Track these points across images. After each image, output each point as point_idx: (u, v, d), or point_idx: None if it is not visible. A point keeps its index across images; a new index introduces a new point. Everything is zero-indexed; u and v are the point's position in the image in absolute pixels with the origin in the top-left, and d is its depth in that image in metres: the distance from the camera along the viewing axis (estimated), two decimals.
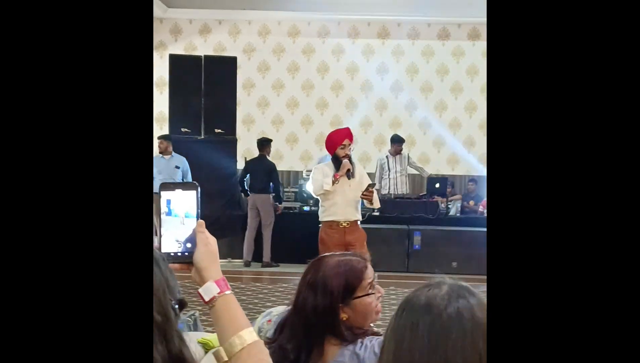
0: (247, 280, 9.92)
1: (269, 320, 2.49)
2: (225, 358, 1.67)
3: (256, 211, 11.01)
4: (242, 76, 13.30)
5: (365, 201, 6.60)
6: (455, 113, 13.85)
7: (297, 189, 12.01)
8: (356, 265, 2.40)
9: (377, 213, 9.79)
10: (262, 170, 11.15)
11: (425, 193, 11.86)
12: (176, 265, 1.72)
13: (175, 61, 11.75)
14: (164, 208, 1.72)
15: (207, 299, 1.68)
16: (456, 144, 13.23)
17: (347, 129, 6.89)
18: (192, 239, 1.72)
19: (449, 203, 11.79)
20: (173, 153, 10.87)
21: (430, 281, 1.56)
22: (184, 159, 10.85)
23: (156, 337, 1.53)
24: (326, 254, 2.48)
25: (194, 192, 1.72)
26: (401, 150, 11.79)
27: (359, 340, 2.31)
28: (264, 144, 11.44)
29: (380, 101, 13.88)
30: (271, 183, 11.14)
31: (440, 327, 1.47)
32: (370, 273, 2.42)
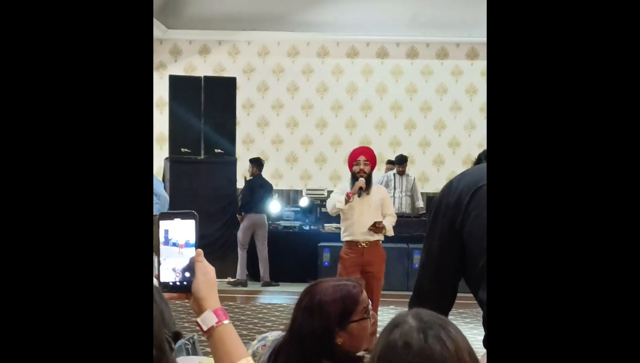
0: (246, 299, 9.89)
1: (264, 345, 2.50)
2: None
3: (252, 230, 10.93)
4: (241, 96, 13.33)
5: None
6: (455, 132, 13.88)
7: (297, 209, 12.00)
8: (352, 290, 2.41)
9: None
10: (264, 190, 11.15)
11: (424, 211, 11.87)
12: (174, 295, 1.72)
13: (175, 81, 11.79)
14: (162, 237, 1.71)
15: (205, 328, 1.70)
16: (455, 162, 13.23)
17: (366, 148, 7.01)
18: (190, 268, 1.72)
19: None
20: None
21: (392, 321, 1.55)
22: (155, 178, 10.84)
23: None
24: (321, 279, 2.49)
25: (193, 221, 1.72)
26: (404, 171, 11.88)
27: None
28: (261, 163, 11.44)
29: (380, 120, 13.92)
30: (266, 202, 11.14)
31: (428, 359, 1.47)
32: (365, 297, 2.45)
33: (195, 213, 1.74)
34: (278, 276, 10.87)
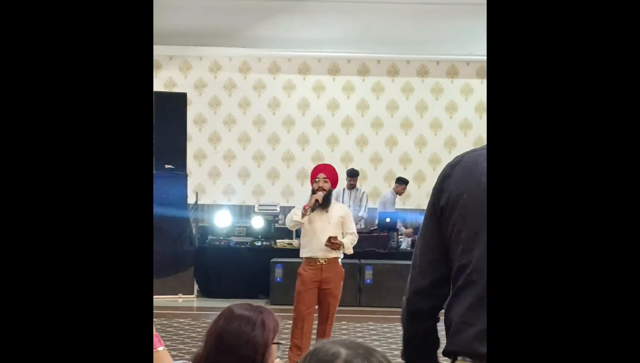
0: (198, 316, 9.80)
1: None
2: None
3: None
4: (193, 111, 13.26)
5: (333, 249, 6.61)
6: (405, 148, 13.97)
7: (248, 224, 11.95)
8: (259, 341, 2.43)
9: None
10: None
11: (376, 227, 11.91)
12: None
13: None
14: None
15: None
16: (407, 177, 13.32)
17: (326, 165, 7.04)
18: None
19: (400, 237, 11.86)
20: None
21: (319, 355, 1.45)
22: None
23: None
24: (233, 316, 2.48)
25: None
26: (354, 184, 11.92)
27: None
28: None
29: (332, 136, 13.95)
30: None
31: None
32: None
33: None
34: (230, 292, 10.78)
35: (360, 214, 11.81)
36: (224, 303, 9.56)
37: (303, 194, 11.19)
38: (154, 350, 1.74)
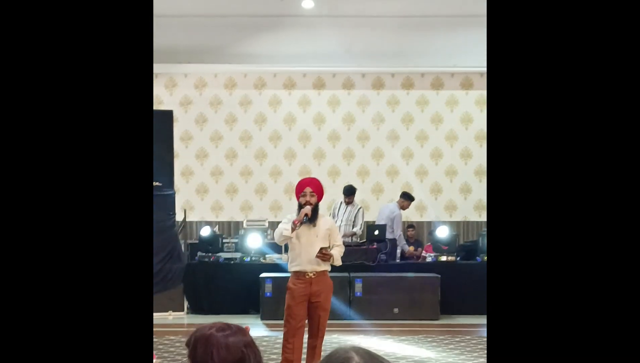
0: (188, 333, 9.76)
1: None
2: None
3: None
4: (179, 128, 13.26)
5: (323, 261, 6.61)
6: (392, 161, 14.02)
7: (237, 240, 11.93)
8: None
9: None
10: None
11: (364, 240, 11.91)
12: None
13: None
14: None
15: None
16: (393, 190, 13.36)
17: (311, 178, 6.98)
18: None
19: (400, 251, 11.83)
20: None
21: (334, 357, 1.48)
22: None
23: None
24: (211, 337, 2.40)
25: None
26: (351, 201, 11.90)
27: None
28: None
29: (319, 150, 13.97)
30: None
31: None
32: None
33: None
34: (220, 308, 10.76)
35: (354, 230, 11.81)
36: (214, 319, 9.47)
37: (291, 208, 11.20)
38: None
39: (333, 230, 6.79)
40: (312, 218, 6.60)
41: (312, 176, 13.61)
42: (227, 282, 11.05)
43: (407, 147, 13.98)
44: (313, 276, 6.57)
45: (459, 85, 13.91)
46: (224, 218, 13.88)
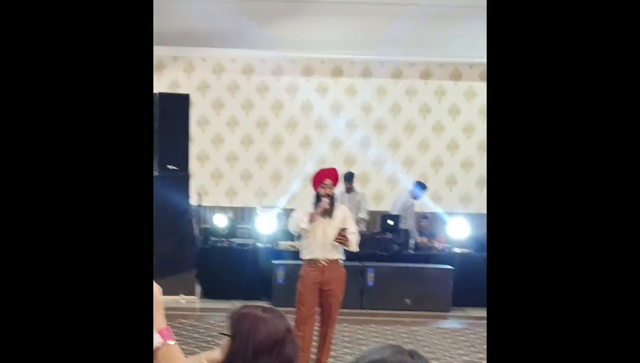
0: (200, 317, 9.81)
1: None
2: None
3: None
4: (196, 112, 13.26)
5: (341, 244, 6.61)
6: (408, 151, 13.98)
7: (250, 226, 11.95)
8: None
9: None
10: None
11: (378, 229, 11.90)
12: None
13: None
14: None
15: None
16: (410, 180, 13.31)
17: (332, 169, 6.93)
18: None
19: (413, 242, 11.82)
20: None
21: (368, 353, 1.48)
22: None
23: None
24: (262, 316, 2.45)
25: None
26: (352, 188, 11.87)
27: None
28: None
29: (334, 139, 13.95)
30: None
31: None
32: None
33: None
34: (232, 294, 10.79)
35: (360, 216, 11.78)
36: (226, 305, 9.62)
37: (304, 197, 11.20)
38: (164, 343, 1.78)
39: (348, 217, 6.80)
40: (330, 211, 6.61)
41: (328, 165, 13.65)
42: (240, 268, 11.08)
43: (423, 138, 13.93)
44: (326, 265, 6.58)
45: (478, 77, 13.84)
46: (238, 203, 13.90)
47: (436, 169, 13.91)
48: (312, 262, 6.60)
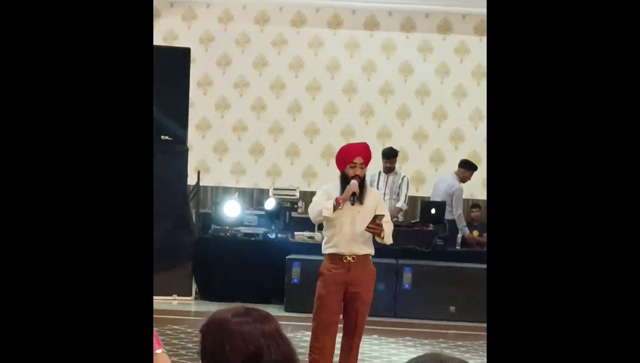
0: (195, 322, 9.83)
1: None
2: None
3: None
4: (197, 71, 13.26)
5: (374, 235, 6.57)
6: (458, 123, 13.90)
7: (260, 212, 11.96)
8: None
9: None
10: None
11: (417, 220, 11.86)
12: None
13: None
14: None
15: None
16: (457, 160, 13.23)
17: (364, 144, 6.82)
18: None
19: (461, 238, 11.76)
20: None
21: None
22: None
23: None
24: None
25: None
26: (393, 167, 11.81)
27: None
28: None
29: (366, 106, 13.90)
30: None
31: None
32: None
33: None
34: (235, 294, 10.81)
35: (398, 205, 11.74)
36: (227, 307, 9.55)
37: (328, 176, 11.18)
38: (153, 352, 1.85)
39: (380, 204, 6.75)
40: (360, 196, 6.55)
41: (358, 138, 13.62)
42: (246, 263, 11.09)
43: (476, 107, 13.84)
44: (352, 261, 6.53)
45: None
46: (246, 184, 13.91)
47: None
48: (336, 257, 6.56)
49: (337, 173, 6.74)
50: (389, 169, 11.78)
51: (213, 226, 11.64)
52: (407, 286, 10.56)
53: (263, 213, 11.91)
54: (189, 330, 9.17)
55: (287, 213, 11.79)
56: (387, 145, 12.53)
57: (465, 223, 12.04)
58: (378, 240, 6.63)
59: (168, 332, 8.90)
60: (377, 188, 11.48)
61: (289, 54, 13.96)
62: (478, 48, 13.82)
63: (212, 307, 10.16)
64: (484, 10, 13.36)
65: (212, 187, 13.76)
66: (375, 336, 8.95)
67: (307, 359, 6.52)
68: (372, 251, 6.69)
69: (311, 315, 6.66)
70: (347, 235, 6.54)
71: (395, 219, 11.26)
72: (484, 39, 13.75)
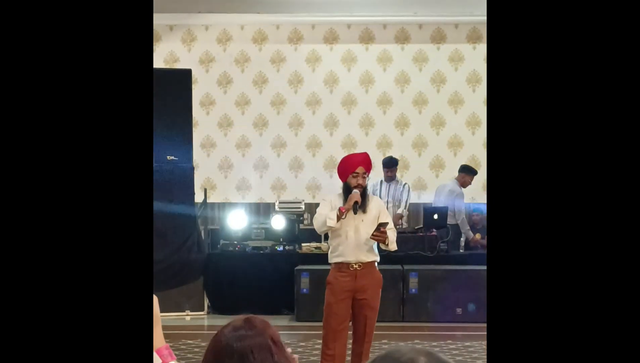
0: (208, 336, 9.84)
1: None
2: None
3: None
4: (199, 91, 13.29)
5: (379, 242, 6.60)
6: (455, 130, 13.91)
7: (267, 226, 11.96)
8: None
9: None
10: None
11: (421, 226, 11.86)
12: None
13: None
14: None
15: None
16: (457, 166, 13.23)
17: (365, 154, 6.86)
18: None
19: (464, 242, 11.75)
20: None
21: (394, 355, 1.52)
22: None
23: None
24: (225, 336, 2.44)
25: None
26: (394, 176, 11.83)
27: None
28: None
29: (366, 117, 13.92)
30: None
31: None
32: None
33: None
34: (246, 307, 10.82)
35: (399, 211, 11.74)
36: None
37: (332, 188, 11.18)
38: None
39: (383, 211, 6.77)
40: (362, 205, 6.58)
41: (359, 149, 13.62)
42: (256, 276, 11.09)
43: (472, 113, 13.85)
44: (358, 269, 6.56)
45: None
46: (251, 199, 13.91)
47: None
48: (343, 266, 6.58)
49: (341, 183, 6.76)
50: (390, 178, 11.81)
51: (222, 242, 11.65)
52: (413, 290, 10.55)
53: (269, 226, 11.90)
54: (203, 344, 9.17)
55: (297, 225, 11.78)
56: (388, 155, 12.55)
57: (468, 227, 12.04)
58: (382, 246, 6.65)
59: (182, 346, 8.91)
60: (380, 197, 11.48)
61: (288, 71, 13.98)
62: (472, 55, 13.84)
63: (224, 321, 10.18)
64: (476, 19, 13.41)
65: (219, 203, 13.77)
66: (385, 341, 8.95)
67: None
68: (377, 258, 6.71)
69: (321, 324, 6.67)
70: (352, 243, 6.56)
71: (399, 226, 11.27)
72: (478, 46, 13.79)
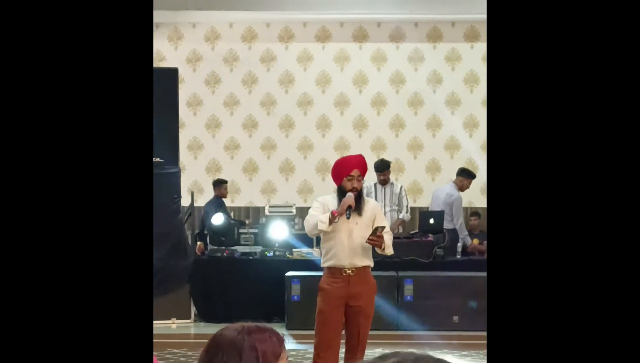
0: (195, 345, 9.79)
1: None
2: None
3: None
4: (186, 91, 13.26)
5: (374, 246, 6.56)
6: (452, 131, 13.90)
7: (257, 230, 11.94)
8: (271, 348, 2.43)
9: None
10: None
11: (416, 230, 11.83)
12: None
13: None
14: None
15: None
16: (454, 168, 13.22)
17: (360, 156, 6.82)
18: None
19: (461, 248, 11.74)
20: None
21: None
22: None
23: None
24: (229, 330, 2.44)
25: None
26: (387, 179, 11.79)
27: None
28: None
29: (359, 118, 13.91)
30: None
31: None
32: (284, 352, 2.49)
33: None
34: (235, 315, 10.77)
35: (401, 216, 11.71)
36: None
37: (324, 191, 11.15)
38: None
39: (378, 214, 6.74)
40: (356, 208, 6.54)
41: (352, 151, 13.61)
42: (245, 283, 11.05)
43: (470, 114, 13.85)
44: (352, 274, 6.51)
45: None
46: (241, 202, 13.89)
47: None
48: (335, 271, 6.54)
49: (334, 187, 6.73)
50: (383, 182, 11.76)
51: (209, 247, 11.64)
52: (409, 297, 10.52)
53: (258, 231, 11.88)
54: (189, 353, 9.13)
55: (287, 229, 11.76)
56: (382, 157, 12.51)
57: (467, 232, 12.01)
58: (379, 251, 6.61)
59: (167, 355, 8.86)
60: (376, 200, 11.45)
61: (279, 70, 13.97)
62: (469, 55, 13.85)
63: (211, 329, 10.16)
64: (474, 17, 13.39)
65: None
66: (379, 350, 8.91)
67: None
68: (371, 263, 6.67)
69: (313, 332, 6.63)
70: (346, 247, 6.52)
71: (397, 231, 11.24)
72: (475, 45, 13.79)
